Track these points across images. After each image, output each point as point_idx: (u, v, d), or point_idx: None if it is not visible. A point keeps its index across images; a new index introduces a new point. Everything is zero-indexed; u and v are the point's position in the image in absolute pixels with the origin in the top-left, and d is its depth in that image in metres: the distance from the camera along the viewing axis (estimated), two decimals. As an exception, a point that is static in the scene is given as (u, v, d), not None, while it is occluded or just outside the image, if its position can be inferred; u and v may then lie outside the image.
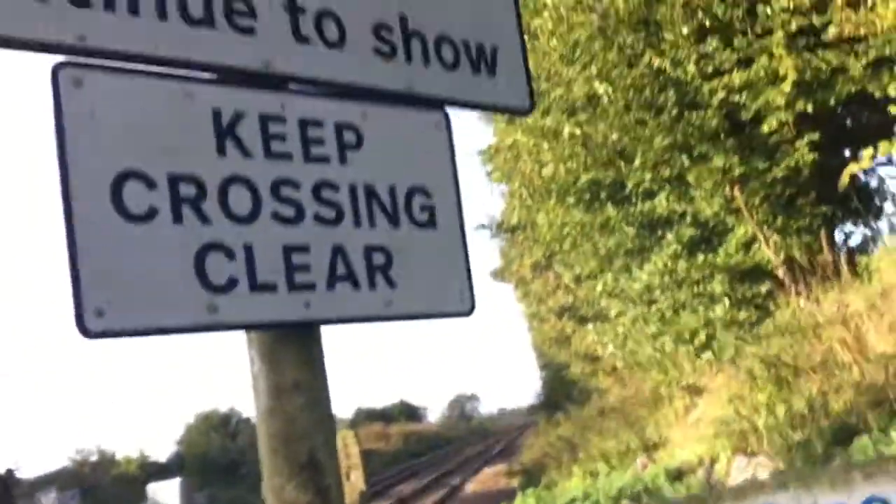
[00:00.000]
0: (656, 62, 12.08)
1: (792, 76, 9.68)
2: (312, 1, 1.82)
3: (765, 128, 10.50)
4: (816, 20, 9.12)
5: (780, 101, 10.05)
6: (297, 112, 1.75)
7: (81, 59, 1.50)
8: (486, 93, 2.10)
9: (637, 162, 12.03)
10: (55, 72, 1.46)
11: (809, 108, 9.90)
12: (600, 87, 12.44)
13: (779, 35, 9.96)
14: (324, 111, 1.80)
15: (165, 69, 1.61)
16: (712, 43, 11.41)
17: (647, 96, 12.06)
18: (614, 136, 12.39)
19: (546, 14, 14.06)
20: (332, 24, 1.84)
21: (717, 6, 11.37)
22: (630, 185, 12.69)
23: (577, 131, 13.02)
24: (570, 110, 13.58)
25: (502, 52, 2.14)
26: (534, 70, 14.35)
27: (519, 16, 2.22)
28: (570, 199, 13.95)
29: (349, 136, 1.82)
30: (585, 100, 13.11)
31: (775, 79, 10.22)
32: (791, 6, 9.88)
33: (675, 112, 11.56)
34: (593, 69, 12.86)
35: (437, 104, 2.00)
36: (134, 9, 1.57)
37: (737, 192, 11.29)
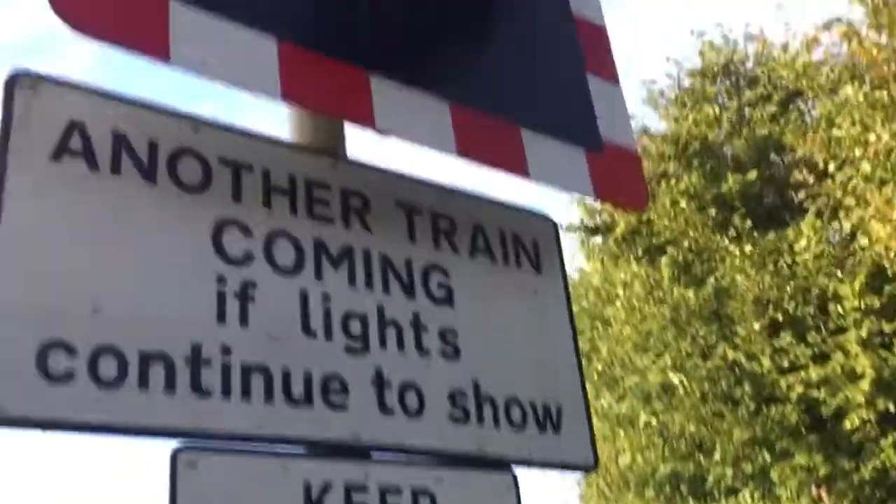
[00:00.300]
0: (731, 354, 12.18)
1: (870, 375, 9.64)
2: (397, 374, 2.07)
3: (847, 424, 10.27)
4: (887, 326, 9.22)
5: (860, 398, 9.92)
6: (378, 480, 1.93)
7: (195, 442, 1.74)
8: (551, 451, 2.26)
9: (717, 456, 11.75)
10: (174, 456, 1.69)
11: (891, 407, 9.72)
12: (675, 378, 12.48)
13: (852, 334, 10.05)
14: (402, 477, 1.98)
15: (266, 446, 1.84)
16: (786, 338, 11.51)
17: (724, 388, 12.03)
18: (692, 428, 12.22)
19: (618, 303, 14.48)
20: (414, 395, 2.07)
21: (787, 302, 11.61)
22: (711, 479, 12.29)
23: (654, 420, 12.90)
24: (645, 398, 13.55)
25: (566, 411, 2.33)
26: (607, 356, 14.60)
27: (582, 377, 2.44)
28: (650, 492, 13.51)
29: (424, 501, 1.98)
30: (661, 389, 13.10)
31: (853, 376, 10.15)
32: (862, 306, 10.05)
33: (752, 405, 11.45)
34: (667, 359, 12.99)
35: (505, 465, 2.17)
36: (246, 393, 1.82)
37: (823, 493, 10.81)
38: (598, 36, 2.78)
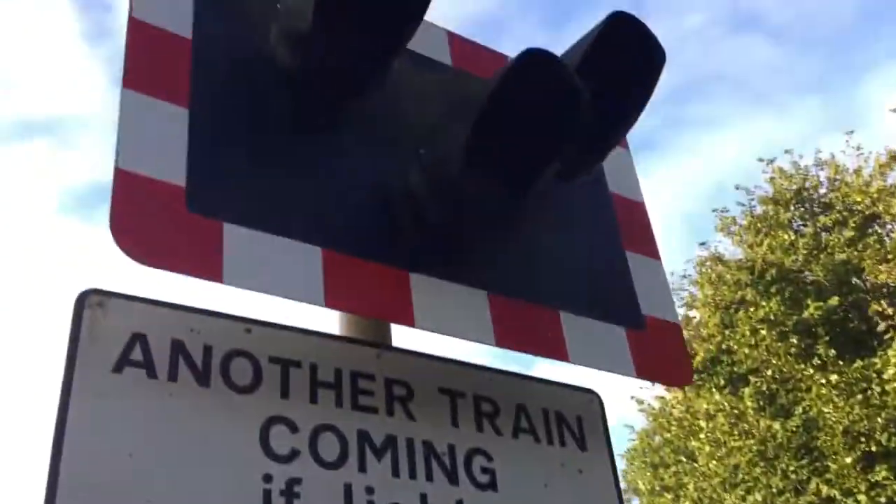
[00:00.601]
0: (825, 490, 11.60)
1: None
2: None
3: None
4: None
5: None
6: None
7: None
8: None
9: None
10: None
11: None
12: (766, 517, 11.89)
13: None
14: None
15: None
16: (881, 471, 10.95)
17: (820, 528, 11.41)
18: (788, 571, 11.56)
19: (702, 436, 14.04)
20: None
21: (880, 433, 11.11)
22: None
23: (747, 563, 12.25)
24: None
25: None
26: (694, 493, 14.02)
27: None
28: None
29: None
30: (753, 529, 12.48)
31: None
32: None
33: (854, 551, 10.81)
34: (757, 496, 12.44)
35: None
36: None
37: None
38: (637, 211, 2.89)
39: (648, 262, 2.78)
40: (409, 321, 2.14)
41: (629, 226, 2.81)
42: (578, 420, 2.55)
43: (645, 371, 2.55)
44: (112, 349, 1.94)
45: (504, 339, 2.28)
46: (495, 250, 2.44)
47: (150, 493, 1.83)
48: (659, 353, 2.61)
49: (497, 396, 2.43)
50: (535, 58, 2.08)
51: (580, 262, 2.63)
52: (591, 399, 2.63)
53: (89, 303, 1.98)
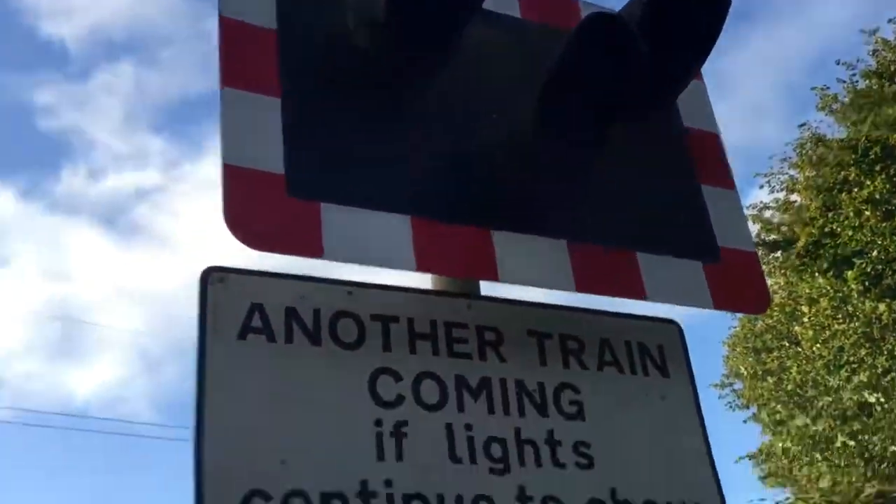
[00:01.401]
0: (932, 370, 11.48)
1: None
2: (539, 489, 2.34)
3: None
4: None
5: None
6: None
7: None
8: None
9: (925, 478, 11.10)
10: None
11: None
12: (871, 397, 11.91)
13: None
14: None
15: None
16: None
17: (927, 406, 11.36)
18: (894, 448, 11.61)
19: (806, 320, 13.98)
20: (554, 506, 2.35)
21: None
22: (921, 502, 11.59)
23: (852, 442, 12.32)
24: (841, 418, 12.96)
25: (704, 508, 2.52)
26: (797, 376, 14.06)
27: (716, 474, 2.60)
28: (855, 516, 12.89)
29: None
30: (857, 408, 12.51)
31: None
32: None
33: (960, 424, 10.75)
34: (862, 377, 12.40)
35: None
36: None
37: None
38: (711, 143, 2.96)
39: (723, 193, 2.87)
40: (494, 276, 2.34)
41: (704, 159, 2.90)
42: (660, 349, 2.72)
43: (722, 302, 2.68)
44: (236, 319, 2.22)
45: (584, 285, 2.45)
46: (572, 200, 2.59)
47: (280, 435, 2.13)
48: (736, 283, 2.73)
49: (582, 334, 2.62)
50: (595, 22, 2.18)
51: (655, 201, 2.75)
52: (671, 328, 2.78)
53: (212, 279, 2.24)
